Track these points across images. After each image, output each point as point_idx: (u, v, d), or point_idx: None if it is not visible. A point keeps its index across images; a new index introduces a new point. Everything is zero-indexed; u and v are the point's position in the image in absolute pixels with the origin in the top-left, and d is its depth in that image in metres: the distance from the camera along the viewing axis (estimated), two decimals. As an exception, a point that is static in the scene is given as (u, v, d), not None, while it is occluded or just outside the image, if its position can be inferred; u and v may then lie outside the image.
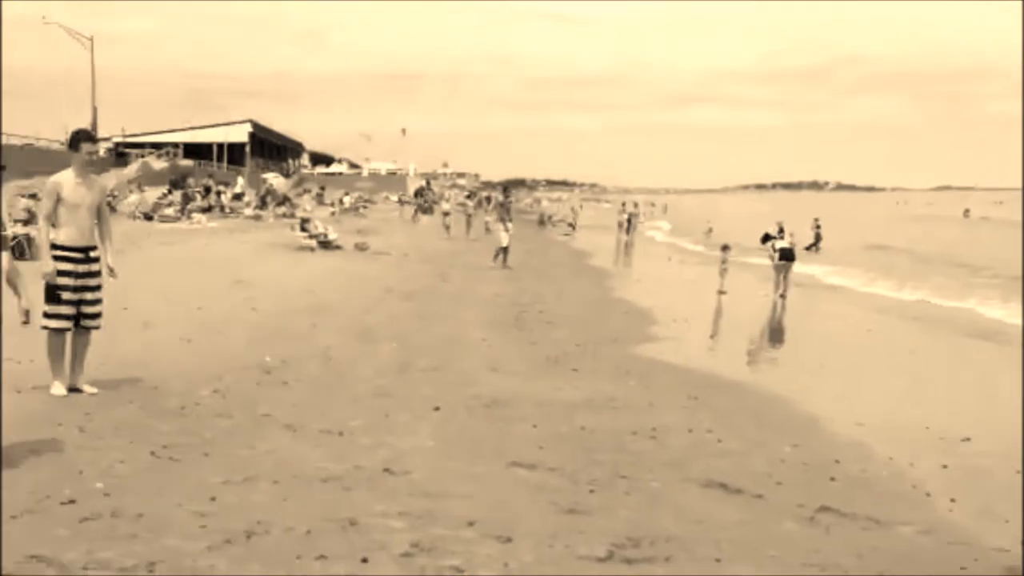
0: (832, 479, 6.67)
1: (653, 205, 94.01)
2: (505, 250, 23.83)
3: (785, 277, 20.23)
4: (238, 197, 45.65)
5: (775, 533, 5.45)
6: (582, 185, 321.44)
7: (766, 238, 21.54)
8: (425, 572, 4.53)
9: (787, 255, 20.35)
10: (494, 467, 6.46)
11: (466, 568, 4.60)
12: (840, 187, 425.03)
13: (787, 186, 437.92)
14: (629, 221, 47.92)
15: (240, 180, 53.85)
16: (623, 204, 55.72)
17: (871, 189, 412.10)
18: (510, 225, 24.41)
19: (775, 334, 16.21)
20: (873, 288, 23.00)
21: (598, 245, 37.28)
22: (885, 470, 7.05)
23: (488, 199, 72.67)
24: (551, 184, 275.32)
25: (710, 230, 46.48)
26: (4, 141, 54.76)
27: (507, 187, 27.54)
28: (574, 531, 5.20)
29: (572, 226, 47.27)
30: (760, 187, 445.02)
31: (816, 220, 38.23)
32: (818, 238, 37.15)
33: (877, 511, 5.95)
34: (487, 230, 34.87)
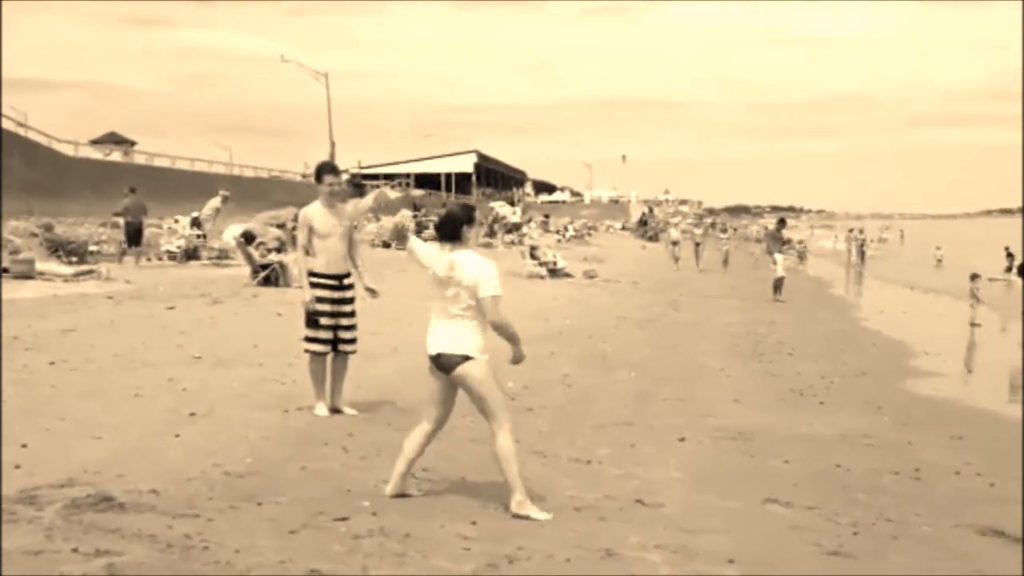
0: (1125, 532, 6.07)
1: (887, 229, 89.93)
2: (780, 281, 23.14)
3: None
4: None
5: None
6: (809, 211, 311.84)
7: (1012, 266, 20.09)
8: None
9: None
10: (748, 503, 6.28)
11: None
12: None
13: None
14: (861, 251, 46.05)
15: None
16: (850, 231, 53.61)
17: None
18: (779, 257, 23.58)
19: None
20: None
21: (832, 273, 35.97)
22: None
23: (713, 225, 71.56)
24: (776, 210, 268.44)
25: (939, 260, 44.04)
26: (253, 174, 58.89)
27: (782, 219, 26.83)
28: (842, 574, 4.96)
29: (802, 256, 45.79)
30: (1005, 212, 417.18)
31: None
32: None
33: None
34: (724, 262, 34.20)
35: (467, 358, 5.70)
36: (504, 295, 5.78)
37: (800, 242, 50.16)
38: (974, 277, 19.98)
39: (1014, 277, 25.93)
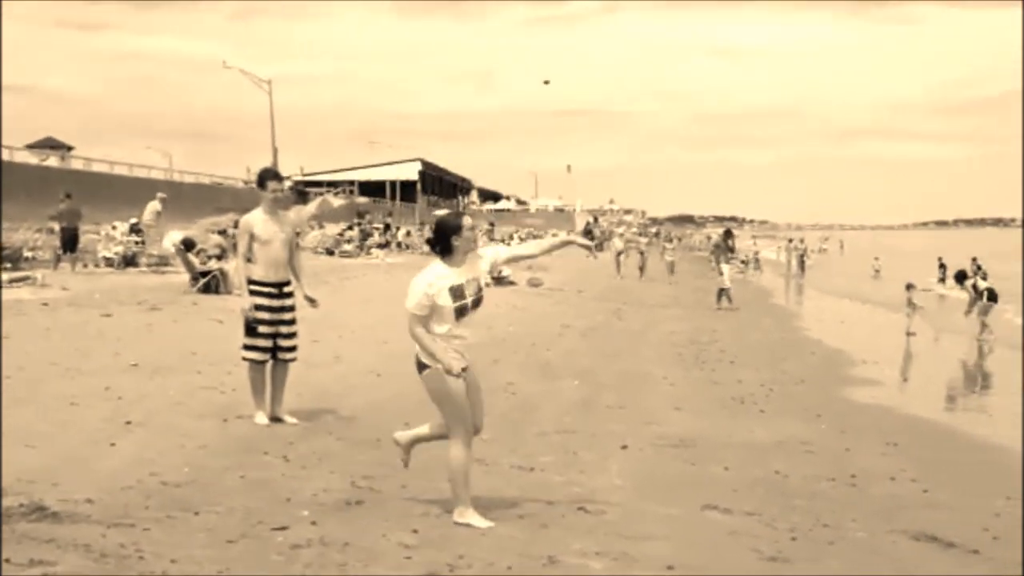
0: (1054, 536, 6.22)
1: (826, 240, 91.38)
2: (724, 291, 23.35)
3: (986, 319, 19.16)
4: (408, 234, 46.96)
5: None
6: (752, 222, 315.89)
7: (962, 277, 20.52)
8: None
9: (993, 296, 19.26)
10: (688, 509, 6.32)
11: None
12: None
13: (969, 223, 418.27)
14: (801, 261, 46.72)
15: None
16: (789, 241, 54.31)
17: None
18: (725, 267, 23.85)
19: (975, 378, 15.42)
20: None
21: (773, 283, 36.47)
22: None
23: (657, 234, 72.13)
24: (719, 220, 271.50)
25: (877, 271, 44.85)
26: (194, 180, 58.19)
27: (729, 229, 27.15)
28: (780, 580, 5.02)
29: (745, 263, 46.37)
30: (940, 224, 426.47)
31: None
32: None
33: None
34: (670, 271, 34.35)
35: (424, 366, 5.65)
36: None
37: (756, 253, 50.64)
38: (909, 287, 20.37)
39: (945, 289, 26.57)
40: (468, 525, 5.56)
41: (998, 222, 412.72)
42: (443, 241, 5.63)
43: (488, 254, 5.87)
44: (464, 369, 5.61)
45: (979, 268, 21.13)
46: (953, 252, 50.51)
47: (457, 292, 5.59)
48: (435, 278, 5.58)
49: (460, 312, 5.61)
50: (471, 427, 5.76)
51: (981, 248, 44.08)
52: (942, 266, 38.48)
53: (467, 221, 5.73)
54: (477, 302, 5.68)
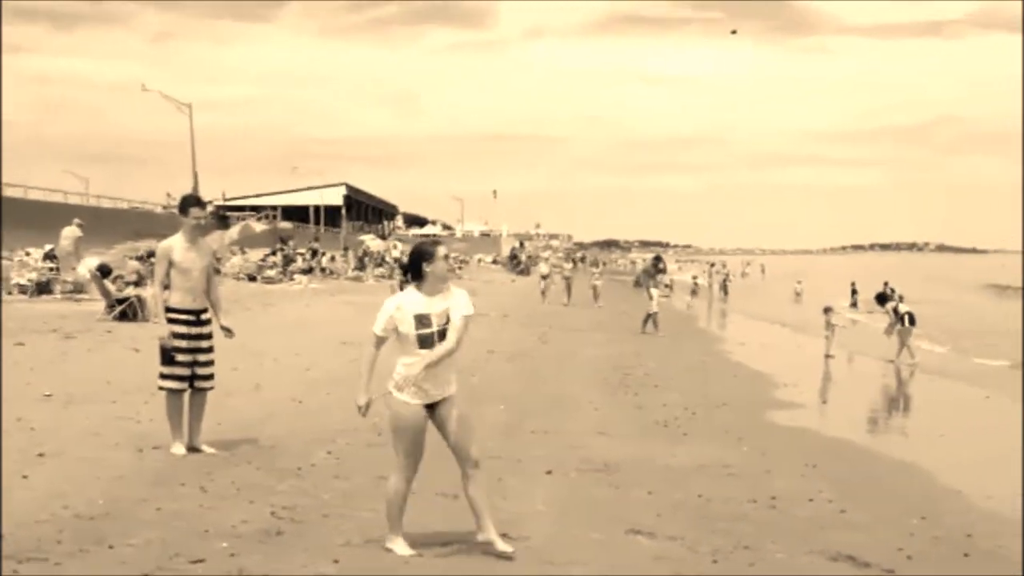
0: (965, 555, 6.37)
1: (748, 264, 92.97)
2: (650, 316, 23.45)
3: (908, 342, 19.61)
4: (332, 259, 46.58)
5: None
6: (676, 246, 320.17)
7: (883, 298, 20.99)
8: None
9: (912, 320, 19.72)
10: (612, 534, 6.34)
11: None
12: (941, 248, 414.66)
13: (885, 247, 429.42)
14: (724, 285, 47.43)
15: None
16: (711, 266, 55.11)
17: (973, 251, 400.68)
18: (654, 292, 24.05)
19: (893, 400, 15.78)
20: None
21: (697, 307, 36.95)
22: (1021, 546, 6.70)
23: (583, 259, 72.54)
24: (645, 245, 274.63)
25: (797, 293, 45.78)
26: (112, 205, 57.13)
27: (659, 255, 27.41)
28: (702, 603, 5.05)
29: (669, 287, 46.83)
30: (857, 248, 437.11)
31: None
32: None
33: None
34: (595, 296, 34.45)
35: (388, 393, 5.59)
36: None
37: (694, 277, 50.82)
38: (827, 310, 20.79)
39: (857, 314, 27.24)
40: (391, 551, 5.51)
41: (912, 247, 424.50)
42: (415, 267, 5.55)
43: (459, 307, 5.61)
44: (367, 405, 5.57)
45: (892, 291, 21.64)
46: (871, 276, 51.84)
47: (423, 320, 5.48)
48: (404, 302, 5.52)
49: (422, 341, 5.48)
50: (414, 461, 5.69)
51: (898, 272, 45.26)
52: (854, 291, 39.49)
53: (441, 250, 5.61)
54: (443, 334, 5.52)
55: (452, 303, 5.57)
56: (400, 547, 5.57)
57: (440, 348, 5.50)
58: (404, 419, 5.55)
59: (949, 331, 25.99)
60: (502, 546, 5.63)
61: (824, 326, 20.40)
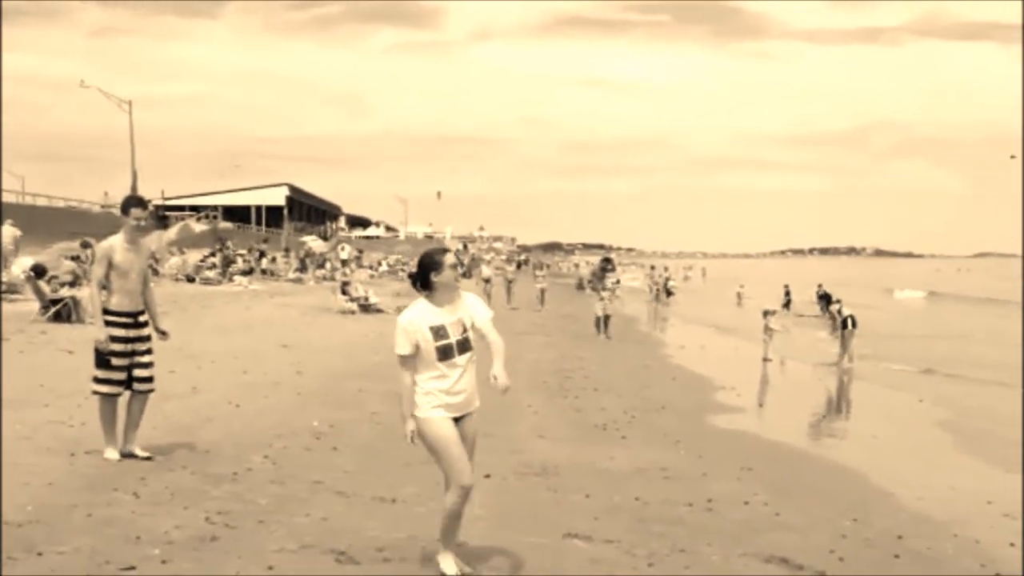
0: (896, 556, 6.49)
1: (690, 268, 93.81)
2: (601, 320, 23.41)
3: (850, 346, 19.91)
4: (274, 260, 46.17)
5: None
6: (619, 249, 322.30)
7: (828, 300, 21.31)
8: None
9: (855, 322, 20.04)
10: (550, 538, 6.36)
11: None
12: (878, 253, 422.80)
13: (824, 251, 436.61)
14: (666, 288, 47.72)
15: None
16: (652, 269, 55.41)
17: (909, 255, 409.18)
18: (605, 295, 23.95)
19: (829, 403, 16.02)
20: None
21: (638, 310, 37.20)
22: (951, 547, 6.86)
23: (527, 261, 72.66)
24: (587, 248, 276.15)
25: (739, 296, 46.32)
26: (48, 203, 55.99)
27: (607, 258, 27.43)
28: (637, 607, 5.08)
29: (613, 291, 46.95)
30: (797, 252, 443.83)
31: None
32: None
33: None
34: (541, 300, 34.43)
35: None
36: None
37: (668, 279, 50.95)
38: (766, 313, 21.09)
39: (789, 317, 27.77)
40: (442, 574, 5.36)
41: (851, 251, 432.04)
42: (423, 277, 5.31)
43: (478, 312, 5.47)
44: (415, 432, 5.40)
45: (827, 294, 22.02)
46: (810, 279, 52.57)
47: (439, 332, 5.25)
48: (416, 315, 5.28)
49: (443, 353, 5.27)
50: (466, 468, 5.47)
51: (837, 275, 46.01)
52: (787, 293, 40.20)
53: (449, 259, 5.33)
54: (463, 344, 5.34)
55: (466, 311, 5.38)
56: (448, 565, 5.39)
57: (497, 352, 5.38)
58: (443, 438, 5.38)
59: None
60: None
61: (763, 329, 20.69)
